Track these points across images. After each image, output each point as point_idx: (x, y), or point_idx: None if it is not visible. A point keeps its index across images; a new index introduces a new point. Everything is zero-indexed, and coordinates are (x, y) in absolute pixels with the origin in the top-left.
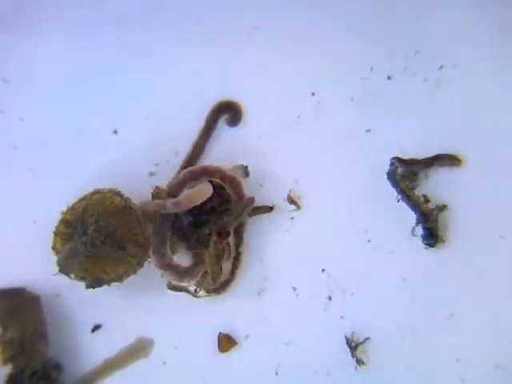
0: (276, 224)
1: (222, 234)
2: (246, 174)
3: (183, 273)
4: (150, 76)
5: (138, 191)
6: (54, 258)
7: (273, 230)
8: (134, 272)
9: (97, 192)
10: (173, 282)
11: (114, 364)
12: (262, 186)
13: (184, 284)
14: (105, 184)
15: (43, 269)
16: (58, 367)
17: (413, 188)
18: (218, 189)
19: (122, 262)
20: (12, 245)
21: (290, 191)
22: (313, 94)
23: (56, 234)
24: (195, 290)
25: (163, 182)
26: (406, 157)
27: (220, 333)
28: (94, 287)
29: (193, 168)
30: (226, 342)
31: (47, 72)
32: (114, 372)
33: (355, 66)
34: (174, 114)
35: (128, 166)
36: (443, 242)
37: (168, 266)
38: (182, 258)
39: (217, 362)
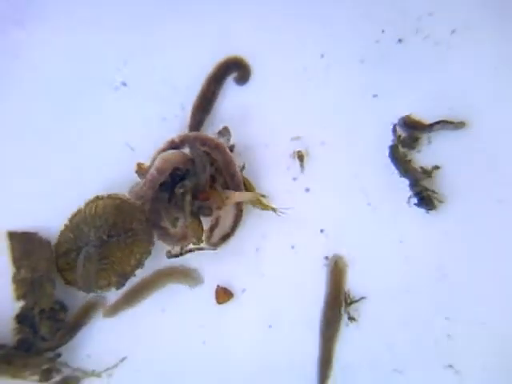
0: (278, 184)
1: (199, 195)
2: (224, 134)
3: (182, 238)
4: (160, 29)
5: (145, 143)
6: (64, 206)
7: (274, 190)
8: (149, 252)
9: (76, 214)
10: (172, 251)
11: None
12: (267, 146)
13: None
14: (112, 134)
15: (54, 217)
16: (63, 308)
17: (410, 160)
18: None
19: (135, 244)
20: (27, 195)
21: (298, 149)
22: (322, 55)
23: (62, 270)
24: (190, 250)
25: (170, 133)
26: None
27: (218, 285)
28: (123, 284)
29: (172, 139)
30: (223, 294)
31: (60, 21)
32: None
33: (366, 28)
34: (182, 68)
35: (136, 117)
36: (438, 204)
37: (166, 235)
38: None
39: (214, 313)
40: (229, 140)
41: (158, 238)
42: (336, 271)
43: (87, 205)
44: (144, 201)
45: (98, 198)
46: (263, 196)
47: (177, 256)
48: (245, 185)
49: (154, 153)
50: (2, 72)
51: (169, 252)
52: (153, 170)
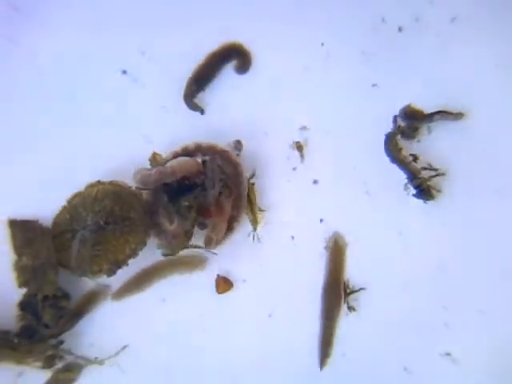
0: (278, 174)
1: (204, 213)
2: (238, 148)
3: (173, 236)
4: (161, 16)
5: (144, 132)
6: (65, 194)
7: (274, 180)
8: (145, 243)
9: (75, 196)
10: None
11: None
12: (267, 134)
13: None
14: (114, 121)
15: (53, 205)
16: (66, 296)
17: (401, 149)
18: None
19: (131, 234)
20: (28, 183)
21: (297, 140)
22: (322, 44)
23: (59, 250)
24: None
25: (169, 122)
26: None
27: (218, 275)
28: (114, 272)
29: (186, 145)
30: (224, 284)
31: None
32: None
33: (367, 16)
34: (182, 57)
35: (135, 105)
36: (436, 195)
37: (163, 234)
38: None
39: (214, 302)
40: (240, 151)
41: (154, 235)
42: (336, 249)
43: (87, 188)
44: (145, 187)
45: (99, 182)
46: (262, 210)
47: (171, 254)
48: (248, 195)
49: (168, 153)
50: (10, 68)
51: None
52: (167, 167)
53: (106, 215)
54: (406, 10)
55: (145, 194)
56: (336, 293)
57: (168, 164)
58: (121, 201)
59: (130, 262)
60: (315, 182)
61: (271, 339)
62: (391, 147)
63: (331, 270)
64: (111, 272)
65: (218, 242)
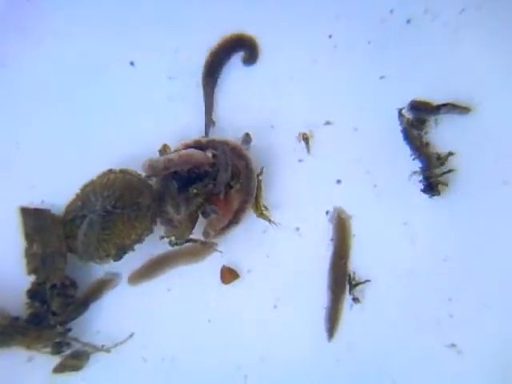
0: (284, 166)
1: (215, 200)
2: (247, 141)
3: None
4: (169, 8)
5: (151, 123)
6: (78, 183)
7: (280, 172)
8: (151, 229)
9: (88, 185)
10: (173, 240)
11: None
12: (272, 127)
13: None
14: (120, 113)
15: (63, 193)
16: (74, 284)
17: (427, 143)
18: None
19: (138, 220)
20: (40, 172)
21: (304, 132)
22: (330, 36)
23: (66, 237)
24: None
25: (177, 114)
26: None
27: (223, 265)
28: (121, 257)
29: (199, 139)
30: (229, 275)
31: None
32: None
33: (375, 8)
34: (191, 48)
35: (143, 97)
36: (443, 190)
37: (169, 223)
38: None
39: (219, 293)
40: (249, 144)
41: (162, 223)
42: (340, 223)
43: (99, 176)
44: (154, 174)
45: (110, 171)
46: (265, 208)
47: (178, 244)
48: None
49: (178, 144)
50: (20, 57)
51: (171, 241)
52: (176, 155)
53: (115, 200)
54: (414, 1)
55: (154, 183)
56: (342, 266)
57: (177, 153)
58: (130, 187)
59: (143, 250)
60: (321, 173)
61: (276, 329)
62: (413, 137)
63: (337, 243)
64: (118, 257)
65: (216, 235)
